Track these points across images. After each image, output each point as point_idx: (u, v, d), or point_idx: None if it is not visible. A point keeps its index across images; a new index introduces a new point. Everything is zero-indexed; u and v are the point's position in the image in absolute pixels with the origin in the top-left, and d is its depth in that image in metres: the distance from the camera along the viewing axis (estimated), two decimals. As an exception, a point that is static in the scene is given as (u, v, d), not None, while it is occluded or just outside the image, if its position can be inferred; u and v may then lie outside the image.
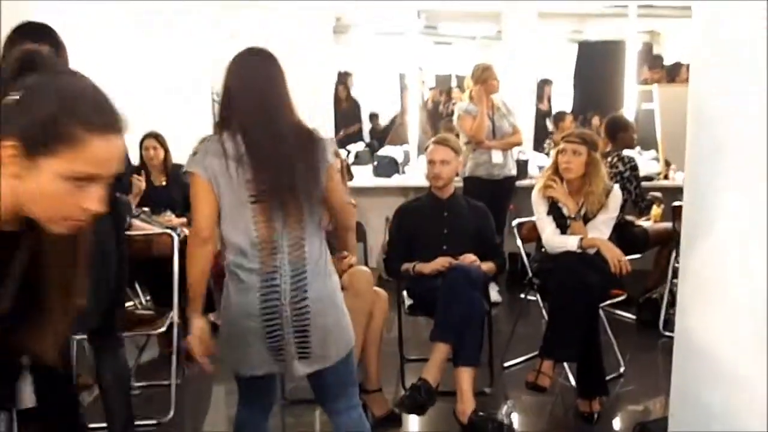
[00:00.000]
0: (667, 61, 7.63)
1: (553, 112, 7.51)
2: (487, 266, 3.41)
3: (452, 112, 7.23)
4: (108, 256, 2.58)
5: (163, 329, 3.38)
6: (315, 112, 5.13)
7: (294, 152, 2.03)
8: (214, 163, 2.02)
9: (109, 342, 2.78)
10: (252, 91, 2.05)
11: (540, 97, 7.48)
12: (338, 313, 2.13)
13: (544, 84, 7.80)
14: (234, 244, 2.06)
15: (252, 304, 2.03)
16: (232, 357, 2.12)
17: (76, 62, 2.64)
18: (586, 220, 3.48)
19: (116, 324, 2.82)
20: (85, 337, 3.01)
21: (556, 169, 3.55)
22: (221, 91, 2.10)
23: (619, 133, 4.77)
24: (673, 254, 4.29)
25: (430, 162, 3.55)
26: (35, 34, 2.45)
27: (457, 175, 5.23)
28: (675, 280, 4.25)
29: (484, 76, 4.89)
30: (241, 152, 2.01)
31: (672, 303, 4.34)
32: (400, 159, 6.04)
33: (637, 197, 4.62)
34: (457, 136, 4.93)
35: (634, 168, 4.61)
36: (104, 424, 3.22)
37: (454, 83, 9.48)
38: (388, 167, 5.95)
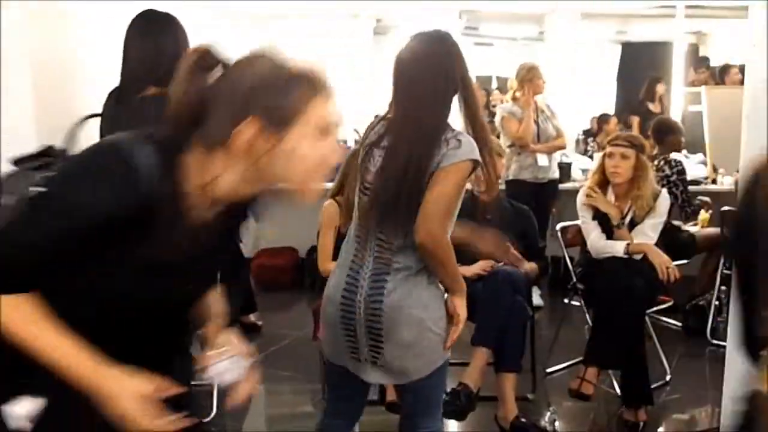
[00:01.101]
0: (714, 63, 7.46)
1: (670, 113, 6.68)
2: (530, 266, 3.37)
3: (493, 114, 7.13)
4: None
5: (205, 329, 3.40)
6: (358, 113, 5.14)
7: (414, 156, 1.90)
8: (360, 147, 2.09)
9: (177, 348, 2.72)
10: (404, 77, 1.97)
11: (650, 98, 6.78)
12: (421, 330, 1.97)
13: (654, 82, 6.76)
14: (348, 228, 2.11)
15: (337, 292, 2.03)
16: (323, 340, 2.16)
17: (112, 66, 2.65)
18: (634, 224, 3.41)
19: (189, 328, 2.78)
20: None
21: (603, 173, 3.48)
22: None
23: (666, 136, 4.67)
24: (722, 260, 4.18)
25: None
26: (157, 25, 2.46)
27: (498, 177, 5.19)
28: (723, 287, 4.16)
29: (529, 76, 4.82)
30: (381, 138, 2.00)
31: (720, 310, 4.24)
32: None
33: (683, 202, 4.52)
34: (498, 137, 4.87)
35: (681, 172, 4.51)
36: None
37: (494, 85, 9.41)
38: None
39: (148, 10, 2.50)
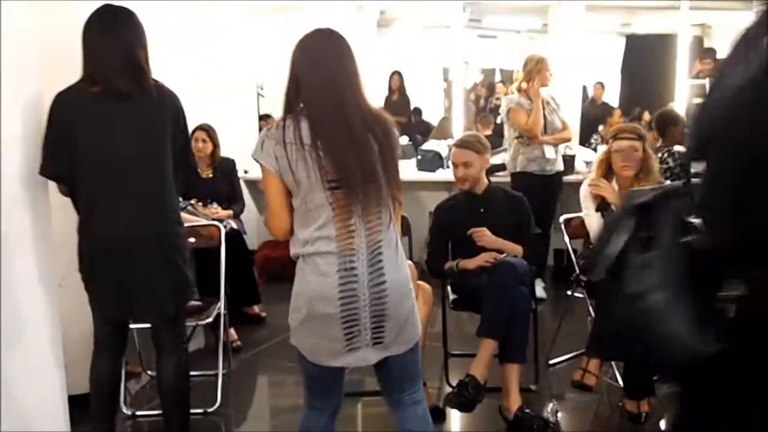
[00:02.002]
0: (719, 55, 7.45)
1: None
2: (511, 247, 3.39)
3: (495, 107, 7.11)
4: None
5: (210, 320, 3.43)
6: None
7: (370, 135, 2.01)
8: (282, 150, 1.99)
9: (173, 340, 2.71)
10: (319, 73, 2.01)
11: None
12: (411, 301, 2.11)
13: None
14: (310, 229, 2.04)
15: (330, 289, 1.99)
16: (304, 345, 2.10)
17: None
18: (637, 215, 3.41)
19: (183, 318, 2.79)
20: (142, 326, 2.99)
21: (608, 166, 3.49)
22: (288, 74, 2.05)
23: (668, 127, 4.67)
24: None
25: (454, 165, 3.51)
26: (114, 20, 2.48)
27: (499, 170, 5.18)
28: (726, 279, 4.16)
29: (538, 68, 4.79)
30: (313, 136, 1.98)
31: (723, 303, 4.24)
32: (444, 153, 6.01)
33: (687, 194, 4.51)
34: (494, 130, 4.85)
35: (684, 164, 4.50)
36: (150, 412, 3.29)
37: (497, 77, 9.40)
38: (432, 162, 5.92)
39: (107, 5, 2.51)
